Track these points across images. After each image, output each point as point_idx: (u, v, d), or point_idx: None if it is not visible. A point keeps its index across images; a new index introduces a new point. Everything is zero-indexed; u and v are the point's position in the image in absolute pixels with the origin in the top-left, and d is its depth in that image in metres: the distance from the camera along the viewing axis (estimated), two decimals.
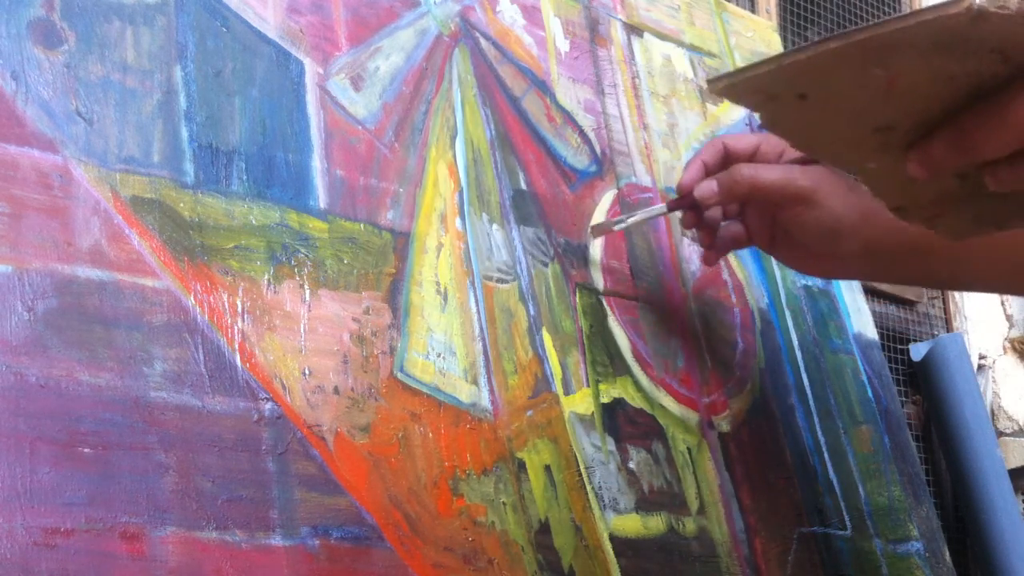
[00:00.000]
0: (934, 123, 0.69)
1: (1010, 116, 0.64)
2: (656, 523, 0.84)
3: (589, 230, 0.92)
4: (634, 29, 1.07)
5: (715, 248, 0.91)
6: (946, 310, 1.87)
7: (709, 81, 0.72)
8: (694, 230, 0.92)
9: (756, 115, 0.73)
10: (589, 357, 0.86)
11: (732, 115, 1.11)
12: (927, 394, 1.74)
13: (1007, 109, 0.65)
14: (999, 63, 0.64)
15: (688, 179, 0.87)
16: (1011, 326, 2.00)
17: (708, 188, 0.85)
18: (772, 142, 0.86)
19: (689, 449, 0.89)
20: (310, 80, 0.80)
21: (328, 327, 0.74)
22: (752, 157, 0.87)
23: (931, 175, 0.70)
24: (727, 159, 0.87)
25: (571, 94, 0.97)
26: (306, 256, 0.75)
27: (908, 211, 0.79)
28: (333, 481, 0.70)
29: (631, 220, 0.91)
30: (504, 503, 0.76)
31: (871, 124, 0.70)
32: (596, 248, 0.91)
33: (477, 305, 0.82)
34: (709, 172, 0.87)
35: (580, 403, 0.84)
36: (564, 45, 0.99)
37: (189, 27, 0.75)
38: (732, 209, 0.90)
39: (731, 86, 0.70)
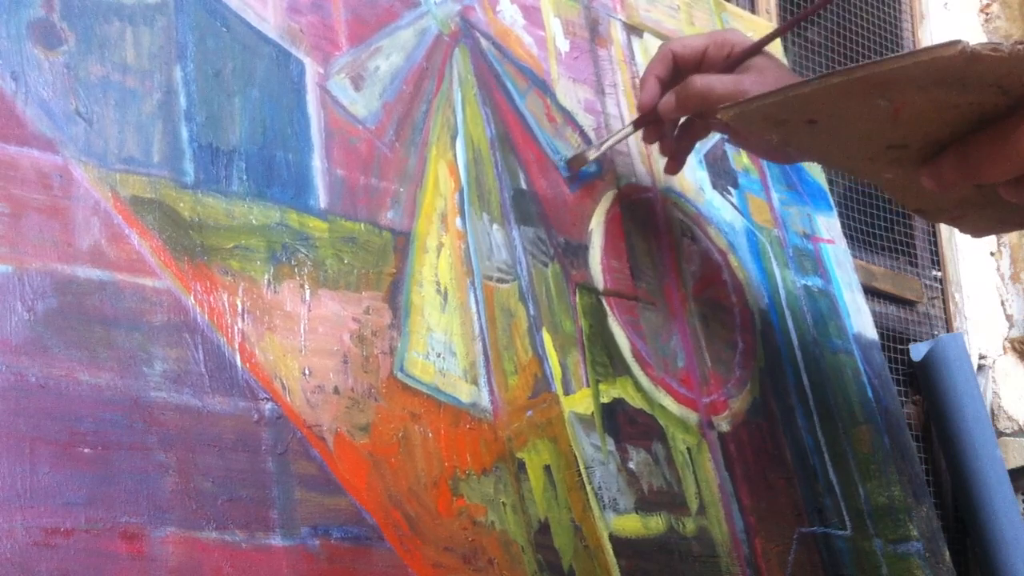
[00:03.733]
0: (945, 141, 0.70)
1: (1011, 146, 0.66)
2: (656, 523, 0.84)
3: (565, 163, 0.93)
4: (634, 29, 1.07)
5: (678, 155, 0.94)
6: (946, 310, 1.87)
7: (720, 109, 0.73)
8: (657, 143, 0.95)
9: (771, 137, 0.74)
10: (589, 357, 0.86)
11: None
12: (927, 394, 1.73)
13: (1008, 140, 0.66)
14: (999, 95, 0.65)
15: (648, 97, 0.90)
16: (1011, 326, 2.00)
17: (668, 104, 0.88)
18: (719, 42, 0.89)
19: (689, 449, 0.89)
20: (310, 80, 0.80)
21: (328, 327, 0.74)
22: (700, 62, 0.89)
23: (944, 190, 0.71)
24: (677, 68, 0.89)
25: (571, 94, 0.97)
26: (306, 256, 0.75)
27: (929, 213, 0.80)
28: (333, 481, 0.69)
29: (604, 146, 0.93)
30: (504, 503, 0.76)
31: (883, 142, 0.71)
32: (596, 247, 0.91)
33: (477, 305, 0.82)
34: (664, 85, 0.90)
35: (580, 403, 0.84)
36: (564, 45, 0.99)
37: (189, 27, 0.75)
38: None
39: (741, 114, 0.72)
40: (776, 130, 0.73)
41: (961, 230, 0.82)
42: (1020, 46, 0.61)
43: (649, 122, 0.92)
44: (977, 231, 0.82)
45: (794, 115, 0.70)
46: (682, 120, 0.93)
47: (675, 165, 0.95)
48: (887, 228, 1.84)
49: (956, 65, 0.62)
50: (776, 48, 1.21)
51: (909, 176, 0.73)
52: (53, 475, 0.60)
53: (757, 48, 0.87)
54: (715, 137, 1.07)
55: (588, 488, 0.81)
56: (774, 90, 0.70)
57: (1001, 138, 0.66)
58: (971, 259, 1.96)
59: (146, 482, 0.63)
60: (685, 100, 0.87)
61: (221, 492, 0.65)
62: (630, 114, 1.02)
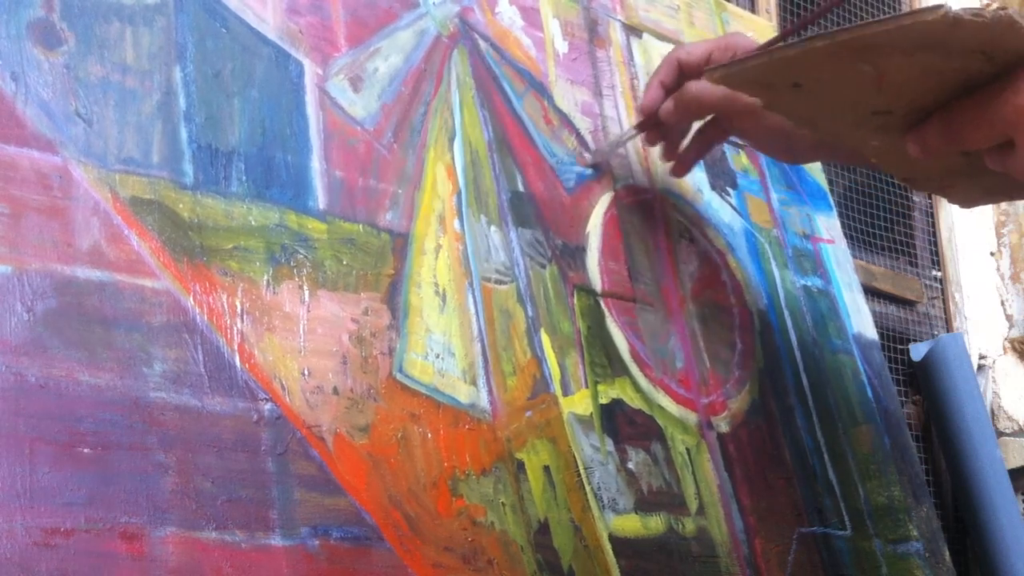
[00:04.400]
0: (930, 108, 0.70)
1: (994, 112, 0.66)
2: (655, 523, 0.84)
3: (589, 159, 0.95)
4: (633, 30, 1.07)
5: (686, 159, 0.95)
6: (946, 310, 1.87)
7: (706, 70, 0.73)
8: (660, 145, 0.96)
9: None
10: (588, 358, 0.86)
11: None
12: (927, 394, 1.73)
13: (991, 105, 0.66)
14: (984, 61, 0.65)
15: (649, 101, 0.91)
16: (1011, 326, 2.00)
17: (667, 109, 0.90)
18: (722, 47, 0.90)
19: (688, 450, 0.89)
20: (309, 81, 0.80)
21: (327, 328, 0.74)
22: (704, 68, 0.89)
23: (930, 157, 0.72)
24: (683, 74, 0.90)
25: (569, 97, 0.97)
26: (305, 257, 0.75)
27: (917, 182, 0.80)
28: (333, 481, 0.70)
29: (608, 150, 0.95)
30: (503, 503, 0.76)
31: (868, 108, 0.71)
32: (593, 249, 0.91)
33: (476, 306, 0.82)
34: (667, 90, 0.91)
35: (579, 404, 0.84)
36: (563, 46, 0.99)
37: (188, 28, 0.76)
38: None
39: (727, 75, 0.72)
40: (762, 93, 0.73)
41: (949, 200, 0.83)
42: (1002, 12, 0.61)
43: (652, 126, 0.92)
44: (965, 202, 0.82)
45: (779, 78, 0.70)
46: (698, 125, 0.94)
47: (682, 169, 0.96)
48: (887, 228, 1.84)
49: (939, 30, 0.62)
50: None
51: (895, 143, 0.73)
52: (53, 475, 0.60)
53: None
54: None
55: (587, 488, 0.81)
56: (758, 52, 0.70)
57: (984, 104, 0.66)
58: (971, 259, 1.96)
59: (146, 482, 0.63)
60: (681, 106, 0.89)
61: (221, 492, 0.65)
62: (628, 116, 1.02)
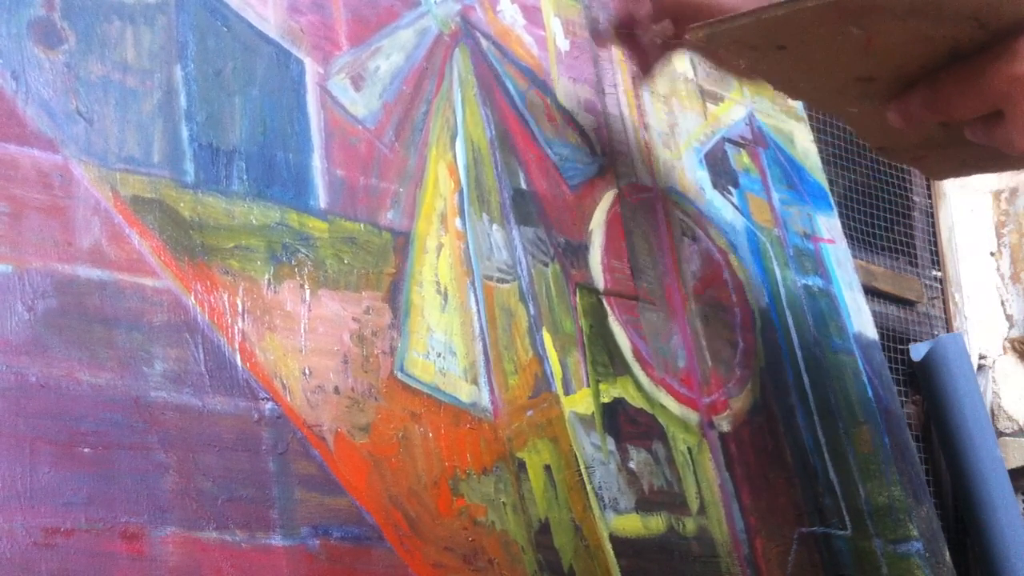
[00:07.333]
0: (915, 77, 0.69)
1: (982, 82, 0.66)
2: (656, 523, 0.84)
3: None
4: None
5: (650, 63, 0.93)
6: (946, 310, 1.87)
7: (690, 29, 0.73)
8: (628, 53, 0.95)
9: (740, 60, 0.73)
10: (589, 357, 0.86)
11: (732, 115, 1.11)
12: (927, 394, 1.73)
13: (981, 75, 0.66)
14: (976, 29, 0.64)
15: (621, 10, 0.91)
16: (1011, 326, 2.00)
17: (642, 5, 0.88)
18: None
19: (689, 449, 0.89)
20: (310, 80, 0.80)
21: (328, 327, 0.74)
22: None
23: (910, 127, 0.71)
24: None
25: (571, 94, 0.97)
26: (306, 256, 0.75)
27: (892, 152, 0.80)
28: (333, 481, 0.70)
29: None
30: (504, 503, 0.76)
31: (852, 74, 0.71)
32: (596, 247, 0.91)
33: (477, 305, 0.82)
34: None
35: (580, 403, 0.84)
36: (564, 45, 0.99)
37: (189, 26, 0.75)
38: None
39: (711, 35, 0.71)
40: (745, 55, 0.72)
41: (922, 171, 0.82)
42: None
43: (624, 36, 0.92)
44: (938, 173, 0.82)
45: (764, 40, 0.69)
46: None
47: (646, 69, 0.94)
48: (887, 228, 1.84)
49: None
50: None
51: (875, 111, 0.73)
52: (53, 475, 0.60)
53: None
54: (715, 137, 1.07)
55: (588, 488, 0.81)
56: (745, 12, 0.69)
57: (974, 73, 0.66)
58: (971, 259, 1.96)
59: (146, 482, 0.63)
60: (661, 4, 0.87)
61: (221, 492, 0.65)
62: (630, 114, 1.02)
